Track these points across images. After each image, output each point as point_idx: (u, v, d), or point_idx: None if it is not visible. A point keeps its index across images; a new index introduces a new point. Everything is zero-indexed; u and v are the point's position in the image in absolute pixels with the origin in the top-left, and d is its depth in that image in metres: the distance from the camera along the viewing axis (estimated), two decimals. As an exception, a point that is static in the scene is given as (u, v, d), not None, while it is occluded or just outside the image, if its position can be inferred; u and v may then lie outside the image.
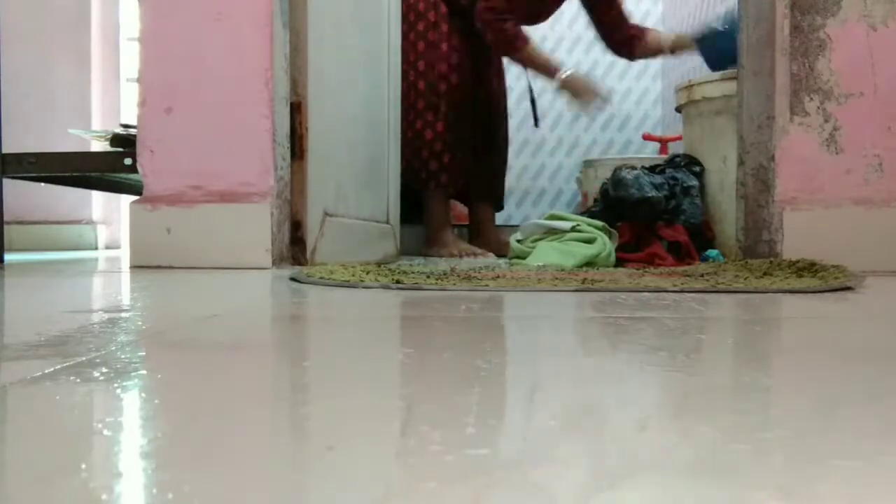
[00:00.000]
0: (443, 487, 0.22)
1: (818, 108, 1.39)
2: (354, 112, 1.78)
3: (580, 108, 2.33)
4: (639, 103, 3.55)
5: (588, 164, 2.96)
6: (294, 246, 1.50)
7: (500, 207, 2.65)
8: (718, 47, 2.18)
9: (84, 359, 0.43)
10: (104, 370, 0.39)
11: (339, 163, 1.67)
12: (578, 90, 2.27)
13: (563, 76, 2.26)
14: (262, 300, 0.86)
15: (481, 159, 2.49)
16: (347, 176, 1.72)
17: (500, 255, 2.36)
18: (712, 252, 1.83)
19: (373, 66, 1.92)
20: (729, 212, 1.94)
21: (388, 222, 2.02)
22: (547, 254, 1.67)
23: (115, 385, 0.36)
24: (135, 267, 1.40)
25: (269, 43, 1.41)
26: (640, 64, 3.51)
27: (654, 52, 2.43)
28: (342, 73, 1.70)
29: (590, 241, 1.70)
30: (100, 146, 1.74)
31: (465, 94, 2.33)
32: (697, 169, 2.05)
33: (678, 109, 2.28)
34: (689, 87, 2.14)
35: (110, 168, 1.54)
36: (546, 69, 2.32)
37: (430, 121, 2.30)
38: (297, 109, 1.50)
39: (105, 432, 0.28)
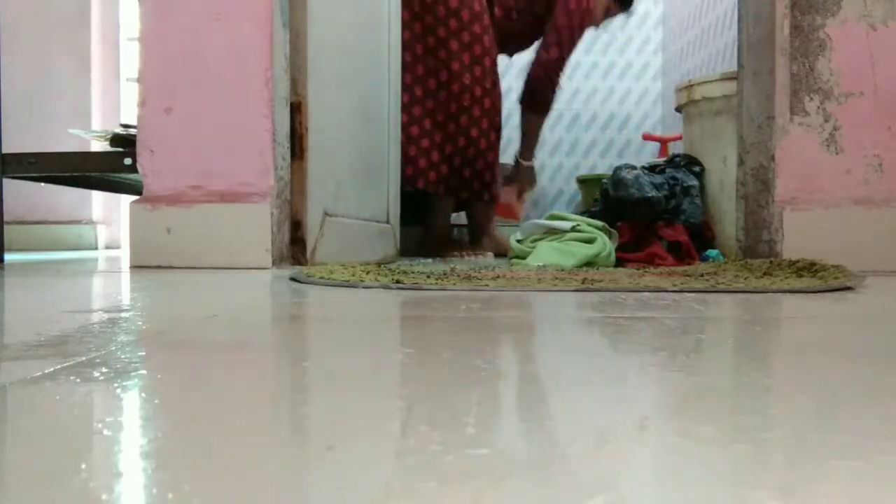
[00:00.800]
0: (443, 487, 0.22)
1: (818, 107, 1.39)
2: (354, 111, 1.78)
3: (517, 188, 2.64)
4: (639, 103, 3.54)
5: (582, 181, 2.98)
6: (294, 246, 1.50)
7: (492, 198, 2.51)
8: None
9: (84, 359, 0.43)
10: (104, 370, 0.39)
11: (339, 162, 1.67)
12: (524, 179, 2.61)
13: (529, 164, 2.60)
14: (261, 300, 0.86)
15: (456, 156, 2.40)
16: (347, 176, 1.72)
17: (500, 255, 2.36)
18: (712, 252, 1.83)
19: (372, 65, 1.92)
20: (729, 212, 1.94)
21: (387, 222, 2.02)
22: (547, 254, 1.67)
23: (115, 385, 0.36)
24: (135, 267, 1.40)
25: (269, 43, 1.41)
26: (639, 63, 3.51)
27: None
28: (342, 72, 1.70)
29: (590, 241, 1.70)
30: (100, 146, 1.74)
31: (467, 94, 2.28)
32: (697, 169, 2.05)
33: (678, 109, 2.28)
34: (690, 86, 2.14)
35: (110, 168, 1.54)
36: (533, 145, 2.60)
37: (417, 116, 2.26)
38: (297, 109, 1.50)
39: (105, 432, 0.28)
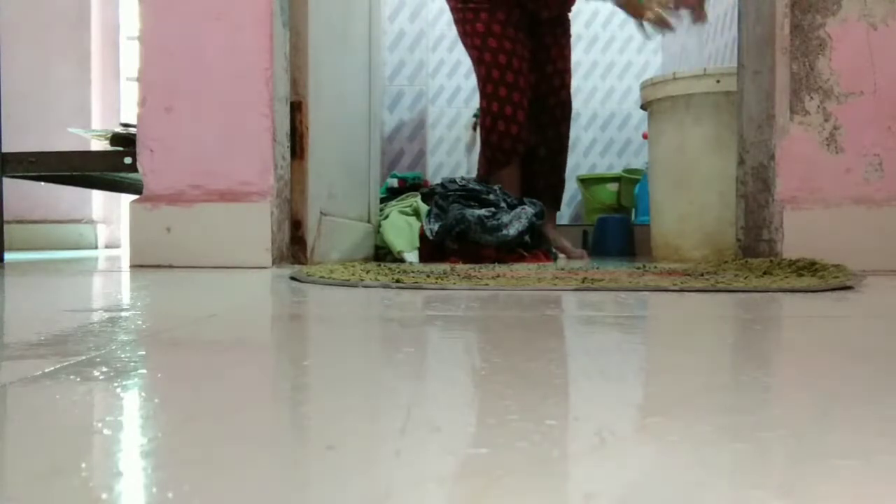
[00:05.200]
0: (443, 487, 0.22)
1: (818, 107, 1.39)
2: (344, 111, 1.79)
3: (639, 27, 2.10)
4: (639, 102, 3.54)
5: (582, 181, 3.01)
6: (294, 245, 1.50)
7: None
8: None
9: (84, 358, 0.43)
10: (104, 369, 0.39)
11: (332, 162, 1.68)
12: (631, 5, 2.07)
13: None
14: (261, 299, 0.86)
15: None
16: (338, 175, 1.73)
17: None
18: None
19: (357, 65, 1.93)
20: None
21: (369, 221, 2.04)
22: (394, 230, 1.99)
23: (115, 384, 0.36)
24: (135, 266, 1.40)
25: (269, 42, 1.41)
26: (639, 63, 3.51)
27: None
28: (335, 72, 1.70)
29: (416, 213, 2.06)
30: (100, 145, 1.74)
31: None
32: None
33: (643, 107, 2.30)
34: (654, 84, 2.17)
35: (110, 167, 1.54)
36: None
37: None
38: (297, 109, 1.51)
39: (105, 431, 0.28)
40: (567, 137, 2.56)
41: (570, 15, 2.56)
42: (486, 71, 2.34)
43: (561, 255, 2.34)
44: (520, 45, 2.35)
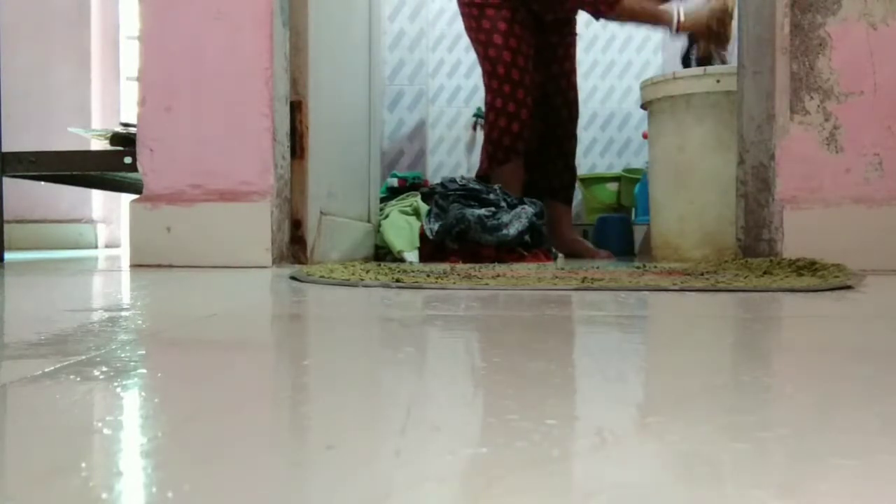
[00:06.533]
0: (443, 487, 0.22)
1: (818, 106, 1.39)
2: (344, 112, 1.79)
3: (716, 49, 2.07)
4: (639, 102, 3.54)
5: (582, 180, 3.02)
6: (294, 244, 1.50)
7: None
8: None
9: (84, 357, 0.42)
10: (104, 369, 0.39)
11: (332, 162, 1.68)
12: (702, 27, 2.03)
13: (681, 20, 2.05)
14: (261, 299, 0.86)
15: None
16: (338, 175, 1.74)
17: (571, 255, 2.41)
18: None
19: (357, 64, 1.93)
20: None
21: (369, 221, 2.04)
22: (394, 230, 2.02)
23: (115, 384, 0.36)
24: (135, 266, 1.40)
25: (269, 42, 1.41)
26: (640, 62, 3.51)
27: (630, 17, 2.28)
28: (335, 72, 1.70)
29: (416, 212, 2.09)
30: (100, 145, 1.74)
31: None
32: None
33: (643, 107, 2.30)
34: (654, 84, 2.17)
35: (110, 167, 1.54)
36: (656, 19, 2.16)
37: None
38: (297, 108, 1.51)
39: (105, 431, 0.28)
40: (576, 137, 2.59)
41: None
42: (492, 66, 2.34)
43: (560, 255, 2.34)
44: (525, 44, 2.35)
